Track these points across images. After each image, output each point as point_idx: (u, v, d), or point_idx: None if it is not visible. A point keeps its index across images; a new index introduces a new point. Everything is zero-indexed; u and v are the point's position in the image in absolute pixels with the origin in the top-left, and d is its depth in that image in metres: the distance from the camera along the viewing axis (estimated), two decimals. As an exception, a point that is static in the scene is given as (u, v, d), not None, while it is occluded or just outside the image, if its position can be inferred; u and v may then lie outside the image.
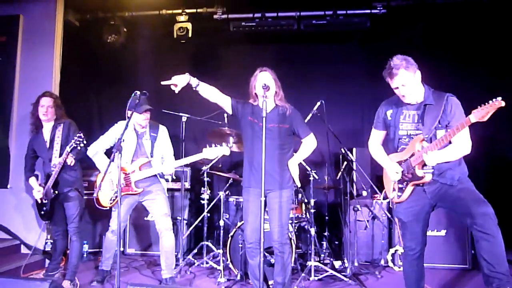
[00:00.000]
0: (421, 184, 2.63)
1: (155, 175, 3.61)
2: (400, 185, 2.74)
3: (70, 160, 3.40)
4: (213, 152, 3.46)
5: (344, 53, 5.32)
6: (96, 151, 3.63)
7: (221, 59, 5.47)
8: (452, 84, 4.62)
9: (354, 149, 4.64)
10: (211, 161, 4.27)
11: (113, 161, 2.92)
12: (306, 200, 4.25)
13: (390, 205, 4.45)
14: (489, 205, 2.45)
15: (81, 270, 3.76)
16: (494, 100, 2.19)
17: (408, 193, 2.69)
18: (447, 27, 5.00)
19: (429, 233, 4.15)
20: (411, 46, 4.99)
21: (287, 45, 5.51)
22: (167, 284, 3.50)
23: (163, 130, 3.74)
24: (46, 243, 4.18)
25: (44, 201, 3.54)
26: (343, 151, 4.11)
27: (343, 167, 4.23)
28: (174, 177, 3.84)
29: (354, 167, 4.34)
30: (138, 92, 3.04)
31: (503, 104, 2.17)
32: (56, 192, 3.49)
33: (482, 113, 2.22)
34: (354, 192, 4.47)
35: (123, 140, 3.51)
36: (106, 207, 3.58)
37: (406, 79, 2.54)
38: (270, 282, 3.30)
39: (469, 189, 2.57)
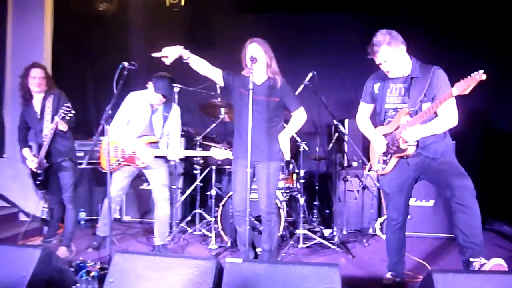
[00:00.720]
0: (404, 157, 2.68)
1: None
2: (385, 157, 2.79)
3: (63, 126, 3.42)
4: (220, 154, 3.53)
5: (339, 22, 5.20)
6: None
7: (214, 28, 5.38)
8: (446, 54, 4.59)
9: (346, 120, 4.65)
10: (204, 132, 4.32)
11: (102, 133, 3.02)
12: (297, 171, 4.31)
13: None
14: (468, 178, 2.51)
15: (78, 236, 3.88)
16: (475, 73, 2.20)
17: (392, 165, 2.74)
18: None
19: (418, 203, 4.33)
20: (407, 15, 4.90)
21: (281, 14, 5.39)
22: (160, 251, 3.62)
23: (175, 110, 3.71)
24: (43, 211, 4.29)
25: (38, 171, 3.62)
26: (335, 123, 4.13)
27: (334, 138, 4.26)
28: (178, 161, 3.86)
29: (346, 139, 4.36)
30: (126, 64, 3.04)
31: (484, 77, 2.18)
32: (50, 162, 3.57)
33: (464, 86, 2.23)
34: (345, 163, 4.53)
35: (130, 117, 3.59)
36: (106, 171, 3.67)
37: (389, 55, 2.55)
38: (257, 249, 3.42)
39: (451, 162, 2.62)
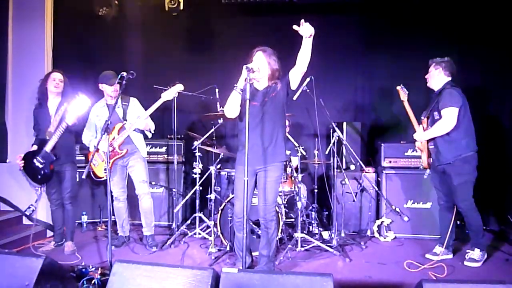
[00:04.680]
0: (429, 156, 3.73)
1: (134, 144, 3.97)
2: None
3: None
4: (170, 94, 3.81)
5: (338, 25, 5.18)
6: (89, 140, 4.01)
7: (213, 32, 5.40)
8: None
9: (344, 123, 4.69)
10: (203, 136, 4.36)
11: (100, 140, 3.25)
12: (295, 174, 4.36)
13: (379, 178, 4.56)
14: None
15: (80, 240, 3.96)
16: None
17: (424, 159, 3.75)
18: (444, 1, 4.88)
19: (415, 205, 4.38)
20: (408, 19, 4.90)
21: (280, 17, 5.37)
22: (148, 241, 4.00)
23: (133, 100, 4.10)
24: (29, 207, 4.13)
25: (41, 164, 3.65)
26: (332, 126, 4.17)
27: (332, 141, 4.30)
28: (152, 132, 4.10)
29: (345, 142, 4.40)
30: (125, 73, 3.12)
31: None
32: (55, 155, 3.64)
33: None
34: (343, 166, 4.57)
35: (95, 122, 3.91)
36: (103, 177, 3.88)
37: (430, 70, 3.70)
38: (255, 253, 3.48)
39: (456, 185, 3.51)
